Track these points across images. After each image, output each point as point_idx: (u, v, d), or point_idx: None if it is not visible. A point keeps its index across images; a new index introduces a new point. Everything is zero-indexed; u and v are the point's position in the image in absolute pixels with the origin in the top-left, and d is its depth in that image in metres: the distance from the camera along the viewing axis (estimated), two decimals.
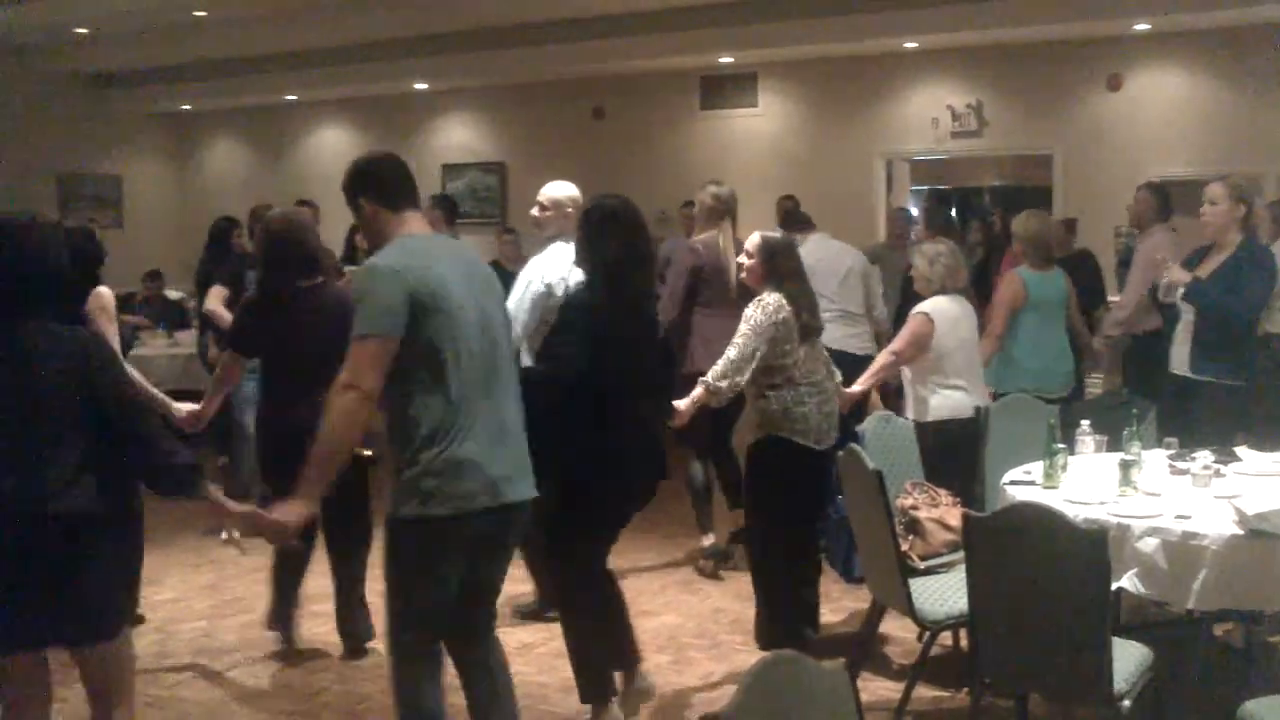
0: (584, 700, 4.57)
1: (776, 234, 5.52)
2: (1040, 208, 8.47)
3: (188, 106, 15.37)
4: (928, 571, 4.83)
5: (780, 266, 5.27)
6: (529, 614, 6.00)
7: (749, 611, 5.64)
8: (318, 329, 5.07)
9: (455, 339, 3.65)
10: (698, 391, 5.14)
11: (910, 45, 11.24)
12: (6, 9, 11.85)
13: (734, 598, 6.34)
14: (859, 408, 6.04)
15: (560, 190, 5.84)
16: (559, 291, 5.49)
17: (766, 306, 5.15)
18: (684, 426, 5.19)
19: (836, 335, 7.05)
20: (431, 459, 3.62)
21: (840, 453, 4.84)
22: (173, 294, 9.57)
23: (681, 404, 5.08)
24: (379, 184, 3.83)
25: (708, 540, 6.95)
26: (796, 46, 11.32)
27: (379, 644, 5.48)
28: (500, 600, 4.10)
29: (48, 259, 3.55)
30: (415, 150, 14.13)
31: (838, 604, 6.18)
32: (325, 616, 5.78)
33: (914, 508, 5.03)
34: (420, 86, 13.74)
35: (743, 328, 5.15)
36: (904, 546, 4.78)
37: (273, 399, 5.46)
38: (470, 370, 3.68)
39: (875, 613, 5.13)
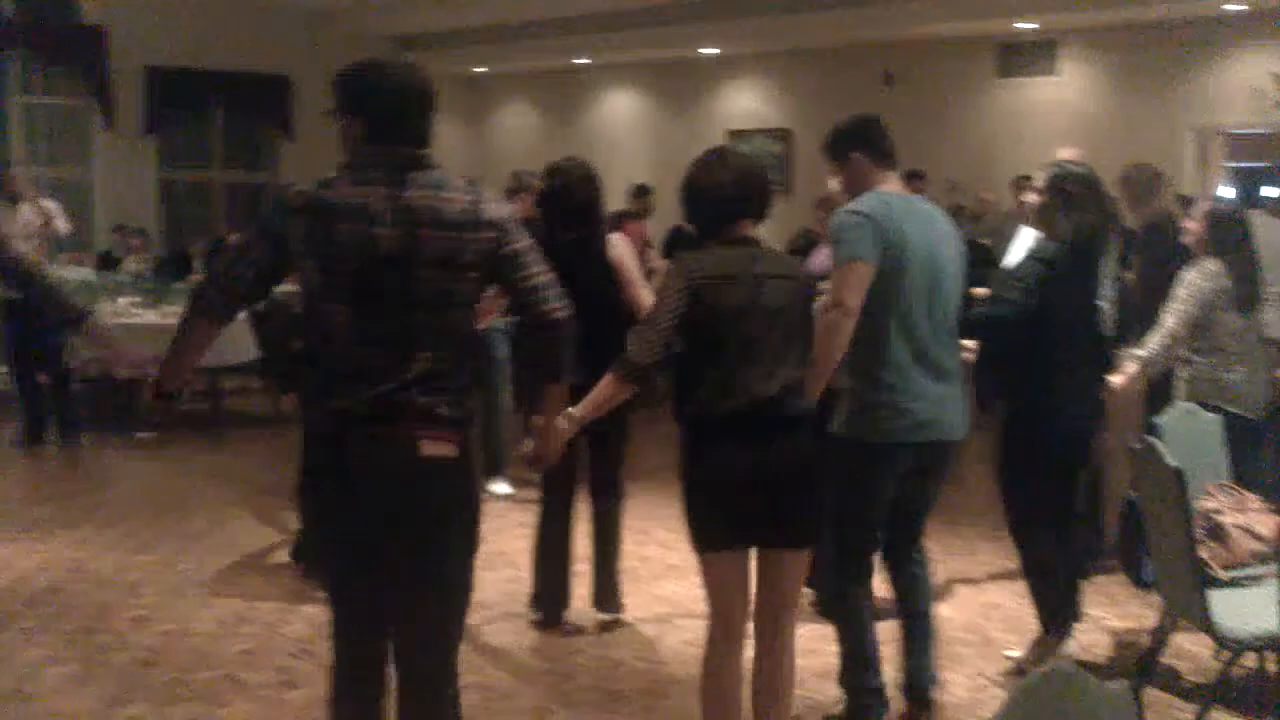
0: (1044, 629, 4.88)
1: (1226, 202, 5.54)
2: None
3: (482, 69, 15.74)
4: (1231, 583, 4.41)
5: (1225, 236, 5.28)
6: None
7: (1024, 610, 5.31)
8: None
9: (902, 290, 4.10)
10: (1132, 367, 5.24)
11: (1231, 7, 10.41)
12: None
13: (1011, 594, 5.94)
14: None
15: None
16: None
17: (1206, 270, 5.25)
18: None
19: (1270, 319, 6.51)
20: (862, 391, 4.17)
21: (1137, 446, 4.47)
22: None
23: (1116, 380, 5.09)
24: (876, 143, 4.37)
25: None
26: (1101, 12, 10.69)
27: (626, 616, 5.55)
28: None
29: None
30: (702, 115, 14.08)
31: (1124, 608, 5.78)
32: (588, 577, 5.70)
33: (1217, 511, 4.60)
34: (709, 51, 13.66)
35: (1181, 293, 5.26)
36: (1204, 554, 4.38)
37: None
38: (913, 318, 4.13)
39: (1167, 624, 4.75)
